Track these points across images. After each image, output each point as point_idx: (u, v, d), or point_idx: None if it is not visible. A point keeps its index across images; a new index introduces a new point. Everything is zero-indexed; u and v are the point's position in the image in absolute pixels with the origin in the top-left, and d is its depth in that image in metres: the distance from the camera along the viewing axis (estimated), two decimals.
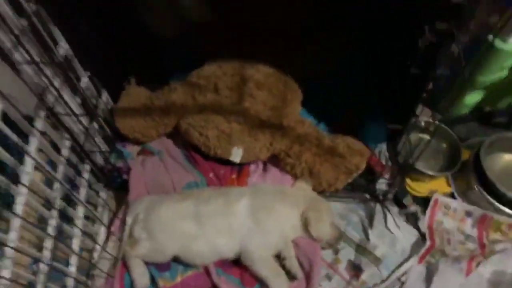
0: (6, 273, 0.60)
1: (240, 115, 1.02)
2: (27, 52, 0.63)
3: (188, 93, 1.05)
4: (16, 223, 0.63)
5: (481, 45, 0.85)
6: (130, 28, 1.17)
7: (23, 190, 0.65)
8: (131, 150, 1.15)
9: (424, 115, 1.10)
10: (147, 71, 1.27)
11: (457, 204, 1.08)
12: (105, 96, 1.09)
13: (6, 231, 0.63)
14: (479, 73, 1.00)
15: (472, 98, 1.13)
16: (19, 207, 0.65)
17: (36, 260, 0.69)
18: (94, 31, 1.01)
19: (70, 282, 0.82)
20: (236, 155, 1.02)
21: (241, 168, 1.09)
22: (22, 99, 0.64)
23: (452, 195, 1.12)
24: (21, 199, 0.66)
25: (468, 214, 1.07)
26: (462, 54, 0.63)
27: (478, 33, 0.66)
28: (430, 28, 0.60)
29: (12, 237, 0.63)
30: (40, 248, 0.74)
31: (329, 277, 1.00)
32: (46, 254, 0.73)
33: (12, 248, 0.59)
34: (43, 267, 0.70)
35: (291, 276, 0.94)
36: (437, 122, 0.85)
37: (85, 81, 0.98)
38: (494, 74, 1.05)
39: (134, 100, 1.10)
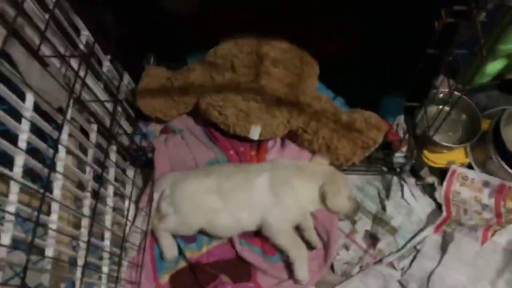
0: (50, 252, 0.67)
1: (257, 93, 1.03)
2: (54, 46, 0.66)
3: (206, 73, 1.07)
4: (55, 206, 0.69)
5: (501, 13, 0.83)
6: (146, 8, 1.18)
7: (59, 175, 0.70)
8: (153, 128, 1.20)
9: (443, 86, 1.08)
10: (165, 51, 1.29)
11: (475, 175, 1.09)
12: (126, 78, 1.12)
13: (48, 213, 0.69)
14: (500, 42, 0.97)
15: (493, 66, 1.11)
16: (56, 191, 0.71)
17: (75, 238, 0.76)
18: (112, 14, 1.02)
19: (105, 255, 0.89)
20: (255, 133, 1.05)
21: (259, 145, 1.12)
22: (52, 91, 0.68)
23: (469, 166, 1.13)
24: (58, 183, 0.71)
25: (486, 184, 1.08)
26: (480, 32, 0.62)
27: (497, 1, 0.64)
28: (447, 11, 0.59)
29: (53, 218, 0.69)
30: (77, 226, 0.81)
31: (346, 247, 1.05)
32: (84, 231, 0.79)
33: (53, 230, 0.65)
34: (81, 244, 0.77)
35: (310, 246, 0.99)
36: (457, 93, 0.84)
37: (106, 64, 1.01)
38: None
39: (154, 81, 1.13)
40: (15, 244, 0.58)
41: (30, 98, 0.65)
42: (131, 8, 1.10)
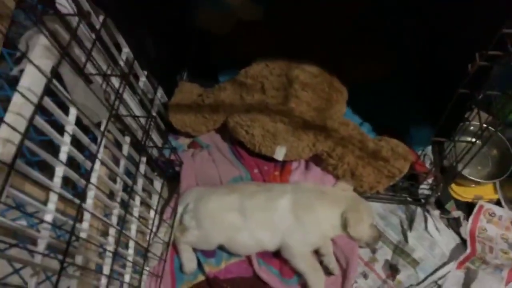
0: (80, 259, 0.70)
1: (285, 115, 1.05)
2: (98, 64, 0.71)
3: (236, 93, 1.10)
4: (87, 215, 0.73)
5: None
6: (181, 27, 1.23)
7: (92, 185, 0.74)
8: (182, 142, 1.24)
9: (474, 119, 1.07)
10: (199, 68, 1.34)
11: (503, 212, 1.07)
12: (160, 92, 1.16)
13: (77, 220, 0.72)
14: None
15: None
16: (89, 201, 0.75)
17: (102, 246, 0.79)
18: (150, 33, 1.08)
19: (128, 263, 0.92)
20: (280, 154, 1.07)
21: (283, 166, 1.14)
22: (93, 106, 0.73)
23: (498, 202, 1.10)
24: (91, 194, 0.75)
25: None
26: None
27: None
28: (481, 55, 0.60)
29: (85, 226, 0.72)
30: (105, 234, 0.84)
31: (365, 275, 1.04)
32: (111, 240, 0.82)
33: (83, 239, 0.69)
34: (108, 252, 0.80)
35: (328, 272, 0.99)
36: (490, 127, 0.83)
37: (143, 80, 1.05)
38: None
39: (186, 97, 1.17)
40: (48, 249, 0.62)
41: (73, 112, 0.70)
42: (168, 26, 1.16)
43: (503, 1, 0.58)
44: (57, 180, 0.63)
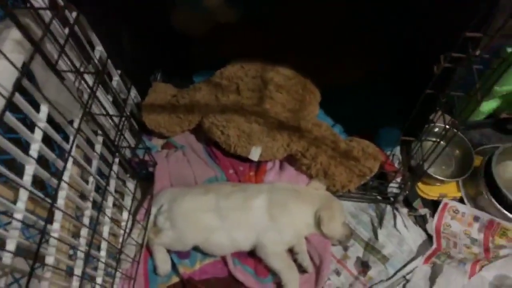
0: (51, 260, 0.68)
1: (260, 116, 1.07)
2: (71, 61, 0.69)
3: (211, 93, 1.11)
4: (58, 215, 0.71)
5: (497, 56, 0.87)
6: (157, 27, 1.22)
7: (64, 185, 0.72)
8: (156, 143, 1.23)
9: (439, 121, 1.12)
10: (173, 69, 1.33)
11: (466, 209, 1.12)
12: (133, 92, 1.15)
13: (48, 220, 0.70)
14: (496, 83, 1.01)
15: (488, 106, 1.16)
16: (60, 201, 0.73)
17: (74, 247, 0.77)
18: (125, 32, 1.06)
19: (100, 265, 0.90)
20: (255, 154, 1.08)
21: (258, 166, 1.15)
22: (66, 104, 0.71)
23: (461, 200, 1.16)
24: (63, 194, 0.73)
25: (476, 219, 1.11)
26: (476, 76, 0.66)
27: (493, 45, 0.68)
28: (445, 57, 0.63)
29: (55, 227, 0.70)
30: (76, 235, 0.82)
31: (338, 272, 1.06)
32: (82, 241, 0.80)
33: (55, 238, 0.67)
34: (80, 253, 0.78)
35: (302, 270, 1.01)
36: (453, 129, 0.87)
37: (116, 79, 1.04)
38: (511, 84, 1.07)
39: (160, 97, 1.16)
40: (17, 250, 0.60)
41: (44, 109, 0.68)
42: (144, 26, 1.15)
43: (467, 6, 0.63)
44: (27, 178, 0.61)
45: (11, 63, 0.51)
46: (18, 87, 0.53)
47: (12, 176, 0.55)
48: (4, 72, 0.55)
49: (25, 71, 0.54)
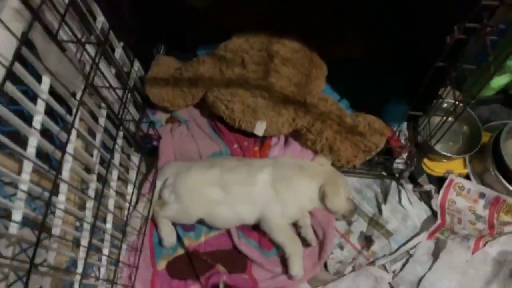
0: (57, 231, 0.69)
1: (265, 90, 1.05)
2: (72, 31, 0.68)
3: (216, 66, 1.09)
4: (63, 187, 0.71)
5: (510, 30, 0.84)
6: None
7: (69, 157, 0.72)
8: (160, 117, 1.22)
9: (447, 96, 1.10)
10: (176, 41, 1.30)
11: (471, 185, 1.12)
12: (136, 65, 1.13)
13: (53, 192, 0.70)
14: (508, 57, 0.99)
15: (499, 81, 1.13)
16: (65, 173, 0.73)
17: (80, 219, 0.78)
18: (127, 2, 1.03)
19: (107, 237, 0.91)
20: (260, 129, 1.07)
21: (263, 141, 1.14)
22: (68, 75, 0.70)
23: (467, 176, 1.15)
24: (67, 166, 0.73)
25: (482, 195, 1.10)
26: (489, 47, 0.64)
27: (506, 19, 0.66)
28: (459, 27, 0.61)
29: (61, 199, 0.71)
30: (82, 208, 0.83)
31: (341, 246, 1.07)
32: (88, 213, 0.81)
33: (62, 210, 0.67)
34: (86, 225, 0.79)
35: (305, 243, 1.02)
36: (461, 105, 0.85)
37: (119, 51, 1.02)
38: None
39: (163, 70, 1.14)
40: (24, 222, 0.60)
41: (46, 81, 0.67)
42: None
43: None
44: (31, 150, 0.61)
45: (10, 31, 0.50)
46: (17, 56, 0.51)
47: (15, 147, 0.55)
48: (4, 42, 0.54)
49: (25, 40, 0.53)
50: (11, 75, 0.54)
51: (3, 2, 0.58)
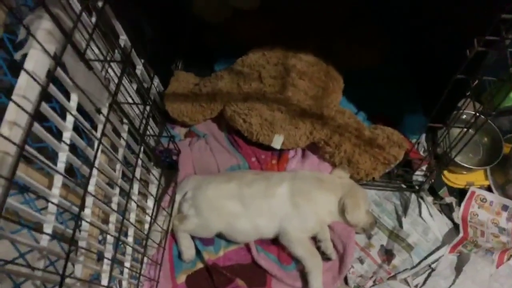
0: (84, 244, 0.70)
1: (283, 103, 1.06)
2: (100, 50, 0.70)
3: (233, 81, 1.11)
4: (89, 201, 0.73)
5: None
6: (178, 16, 1.23)
7: (94, 172, 0.74)
8: (178, 131, 1.24)
9: (467, 108, 1.09)
10: (194, 57, 1.33)
11: (494, 197, 1.10)
12: (155, 81, 1.16)
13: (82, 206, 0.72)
14: None
15: None
16: (91, 187, 0.75)
17: (105, 232, 0.79)
18: (147, 21, 1.07)
19: (128, 251, 0.92)
20: (277, 142, 1.08)
21: (281, 154, 1.15)
22: (94, 92, 0.72)
23: (489, 188, 1.13)
24: (93, 180, 0.75)
25: (504, 207, 1.08)
26: (509, 58, 0.64)
27: None
28: (479, 40, 0.61)
29: (87, 213, 0.72)
30: (104, 222, 0.84)
31: (361, 260, 1.06)
32: (111, 227, 0.83)
33: (88, 222, 0.69)
34: (109, 239, 0.80)
35: (325, 257, 1.01)
36: (481, 116, 0.85)
37: (139, 68, 1.05)
38: None
39: (182, 86, 1.17)
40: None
41: (74, 98, 0.70)
42: (165, 15, 1.15)
43: None
44: (61, 165, 0.63)
45: (48, 54, 0.52)
46: (52, 77, 0.54)
47: (48, 163, 0.57)
48: (38, 62, 0.57)
49: (59, 62, 0.55)
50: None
51: (36, 24, 0.61)
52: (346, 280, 1.04)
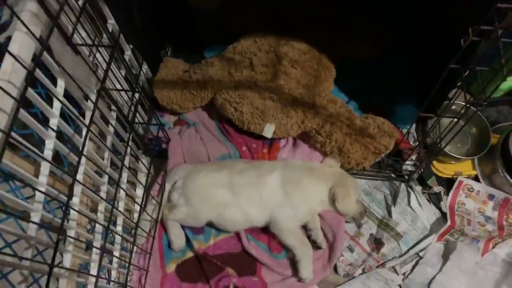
0: (72, 233, 0.69)
1: (274, 92, 1.05)
2: (88, 34, 0.68)
3: (224, 69, 1.09)
4: (77, 190, 0.71)
5: None
6: (168, 1, 1.19)
7: (83, 160, 0.72)
8: (168, 119, 1.22)
9: (458, 99, 1.10)
10: (183, 43, 1.31)
11: (480, 187, 1.12)
12: (144, 68, 1.13)
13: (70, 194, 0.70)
14: None
15: (507, 83, 1.13)
16: (79, 176, 0.73)
17: (94, 221, 0.78)
18: (136, 5, 1.04)
19: (117, 240, 0.91)
20: (269, 131, 1.07)
21: (272, 143, 1.14)
22: (81, 78, 0.70)
23: (476, 178, 1.15)
24: (81, 169, 0.73)
25: (491, 197, 1.10)
26: (502, 49, 0.64)
27: None
28: (474, 29, 0.61)
29: (75, 201, 0.71)
30: (93, 211, 0.83)
31: (351, 249, 1.07)
32: (100, 216, 0.81)
33: (77, 211, 0.67)
34: (98, 228, 0.79)
35: (315, 246, 1.02)
36: (471, 107, 0.85)
37: (128, 54, 1.02)
38: None
39: (172, 73, 1.15)
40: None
41: (61, 84, 0.67)
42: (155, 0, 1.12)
43: None
44: (48, 152, 0.61)
45: (34, 36, 0.50)
46: (39, 61, 0.52)
47: (35, 150, 0.55)
48: (23, 45, 0.54)
49: (46, 45, 0.53)
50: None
51: (21, 6, 0.58)
52: (335, 268, 1.05)
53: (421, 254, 1.05)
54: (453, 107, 1.10)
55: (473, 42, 0.65)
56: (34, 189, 0.56)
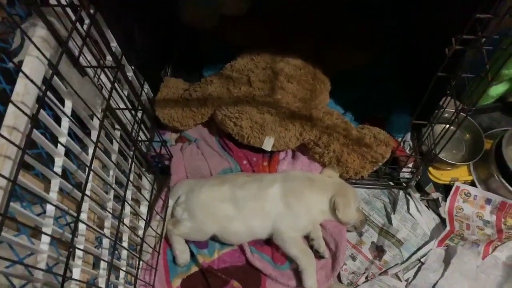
0: (81, 248, 0.71)
1: (272, 106, 1.09)
2: (93, 56, 0.71)
3: (223, 86, 1.13)
4: (85, 206, 0.74)
5: (505, 40, 0.89)
6: (167, 23, 1.24)
7: (90, 176, 0.74)
8: (169, 137, 1.25)
9: (449, 106, 1.13)
10: (182, 63, 1.35)
11: (477, 192, 1.14)
12: (146, 87, 1.17)
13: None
14: (504, 66, 1.03)
15: (497, 89, 1.17)
16: (87, 193, 0.75)
17: (99, 237, 0.80)
18: (137, 28, 1.08)
19: (123, 256, 0.93)
20: (268, 144, 1.10)
21: (271, 156, 1.17)
22: (88, 98, 0.73)
23: (472, 183, 1.18)
24: (88, 186, 0.75)
25: (488, 201, 1.13)
26: (486, 57, 0.68)
27: (502, 29, 0.70)
28: (457, 39, 0.65)
29: (83, 217, 0.73)
30: (100, 227, 0.85)
31: (353, 257, 1.09)
32: (107, 232, 0.83)
33: (86, 224, 0.69)
34: (105, 243, 0.81)
35: (318, 255, 1.03)
36: (462, 114, 0.89)
37: (130, 74, 1.06)
38: None
39: (172, 91, 1.18)
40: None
41: (69, 104, 0.71)
42: (154, 22, 1.17)
43: None
44: (57, 169, 0.64)
45: (48, 60, 0.53)
46: (50, 84, 0.55)
47: (45, 168, 0.57)
48: (34, 68, 0.58)
49: (56, 69, 0.56)
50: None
51: (31, 32, 0.62)
52: (339, 277, 1.06)
53: (422, 260, 1.06)
54: (446, 115, 1.14)
55: (458, 50, 0.69)
56: (48, 203, 0.58)
